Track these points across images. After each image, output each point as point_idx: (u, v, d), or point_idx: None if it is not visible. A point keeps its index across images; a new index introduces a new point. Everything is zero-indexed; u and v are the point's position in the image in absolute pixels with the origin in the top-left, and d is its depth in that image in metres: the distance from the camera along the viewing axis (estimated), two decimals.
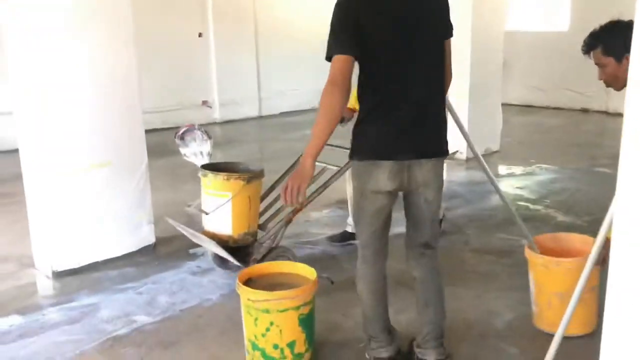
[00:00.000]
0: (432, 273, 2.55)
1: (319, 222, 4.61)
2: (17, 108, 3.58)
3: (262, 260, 3.22)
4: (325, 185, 3.42)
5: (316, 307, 2.70)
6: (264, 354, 2.59)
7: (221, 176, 3.29)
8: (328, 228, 4.40)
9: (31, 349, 2.86)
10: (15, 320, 3.14)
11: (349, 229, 4.06)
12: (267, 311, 2.54)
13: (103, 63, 3.65)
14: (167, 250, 4.07)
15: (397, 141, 2.30)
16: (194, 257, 3.92)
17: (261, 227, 3.53)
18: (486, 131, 6.53)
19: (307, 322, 2.62)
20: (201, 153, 5.32)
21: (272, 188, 3.72)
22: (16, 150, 3.75)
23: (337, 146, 3.40)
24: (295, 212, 3.34)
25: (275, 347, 2.57)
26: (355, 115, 3.93)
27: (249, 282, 2.67)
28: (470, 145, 2.91)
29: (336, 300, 3.22)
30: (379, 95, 2.28)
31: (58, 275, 3.65)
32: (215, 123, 8.88)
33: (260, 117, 9.69)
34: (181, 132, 5.33)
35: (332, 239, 4.15)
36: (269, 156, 7.56)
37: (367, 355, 2.63)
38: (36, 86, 3.45)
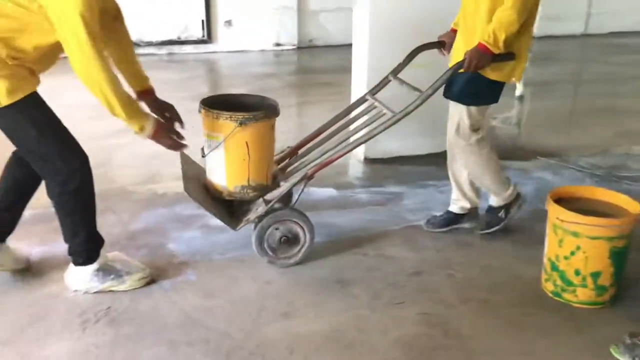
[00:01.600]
0: None
1: None
2: (356, 6, 3.86)
3: (258, 223, 2.68)
4: (375, 132, 2.71)
5: (633, 245, 2.44)
6: (562, 276, 2.47)
7: (211, 114, 2.61)
8: None
9: (343, 218, 3.23)
10: (331, 192, 3.56)
11: None
12: (576, 235, 2.38)
13: None
14: None
15: None
16: None
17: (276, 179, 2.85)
18: None
19: (619, 257, 2.40)
20: None
21: (319, 132, 3.03)
22: (346, 45, 4.09)
23: (413, 87, 2.80)
24: (319, 167, 2.73)
25: (577, 273, 2.43)
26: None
27: (560, 201, 2.53)
28: None
29: None
30: None
31: (369, 161, 4.00)
32: (533, 37, 8.32)
33: (585, 36, 8.73)
34: None
35: None
36: (588, 79, 6.86)
37: None
38: None
